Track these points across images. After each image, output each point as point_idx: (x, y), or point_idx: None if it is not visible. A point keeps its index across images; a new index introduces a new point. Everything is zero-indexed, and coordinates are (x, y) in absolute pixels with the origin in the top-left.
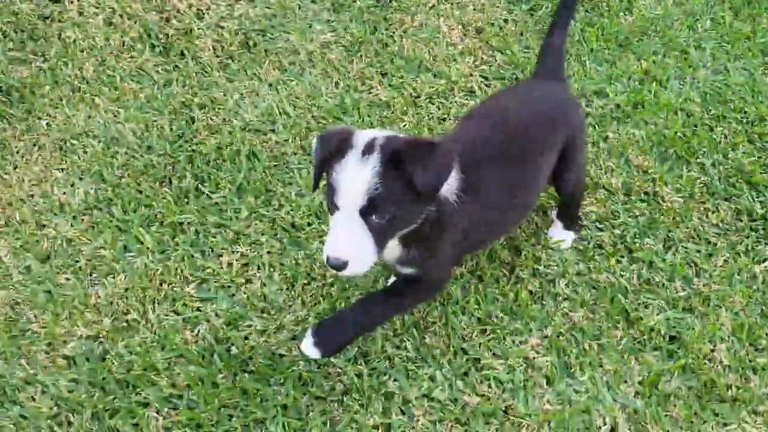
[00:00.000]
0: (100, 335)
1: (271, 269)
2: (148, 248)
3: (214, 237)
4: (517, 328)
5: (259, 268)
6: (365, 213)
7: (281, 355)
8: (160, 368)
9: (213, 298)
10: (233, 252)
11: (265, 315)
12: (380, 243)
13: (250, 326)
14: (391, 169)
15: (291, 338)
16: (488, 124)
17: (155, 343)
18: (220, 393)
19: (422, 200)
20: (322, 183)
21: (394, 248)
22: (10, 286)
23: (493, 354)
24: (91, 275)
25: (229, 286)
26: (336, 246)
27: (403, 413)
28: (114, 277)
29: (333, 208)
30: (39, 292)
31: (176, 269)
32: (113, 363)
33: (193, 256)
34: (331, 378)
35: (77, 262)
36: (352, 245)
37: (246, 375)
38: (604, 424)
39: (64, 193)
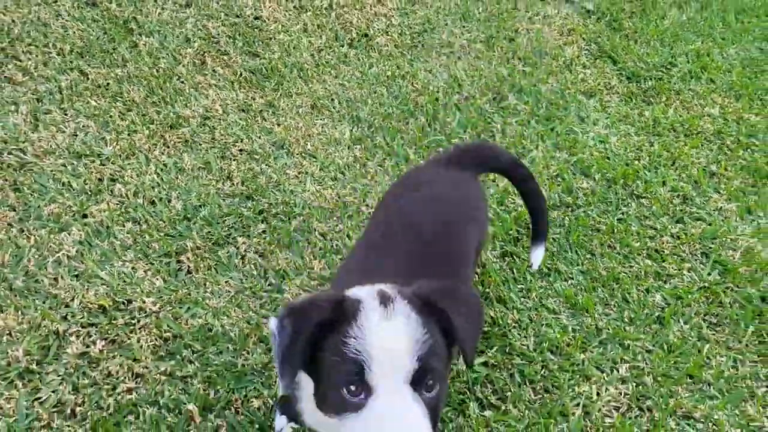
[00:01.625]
0: None
1: None
2: (412, 161)
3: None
4: None
5: None
6: (416, 382)
7: None
8: None
9: None
10: None
11: None
12: (434, 426)
13: None
14: (428, 317)
15: None
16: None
17: None
18: None
19: (449, 360)
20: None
21: None
22: None
23: None
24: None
25: None
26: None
27: None
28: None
29: (349, 399)
30: None
31: None
32: None
33: None
34: None
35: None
36: (417, 424)
37: None
38: None
39: (334, 129)
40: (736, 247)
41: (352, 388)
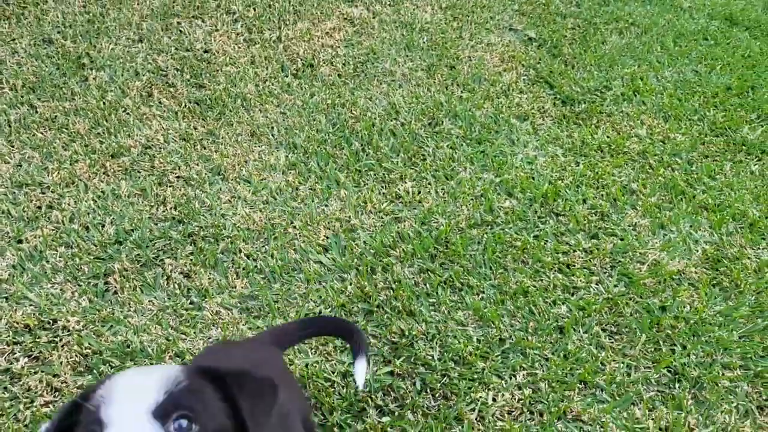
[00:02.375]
0: None
1: None
2: (342, 185)
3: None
4: None
5: None
6: (161, 414)
7: None
8: None
9: None
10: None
11: None
12: None
13: None
14: (199, 378)
15: None
16: None
17: None
18: None
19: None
20: None
21: None
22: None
23: None
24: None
25: None
26: None
27: None
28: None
29: None
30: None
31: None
32: None
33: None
34: None
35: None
36: None
37: None
38: None
39: (270, 156)
40: (644, 260)
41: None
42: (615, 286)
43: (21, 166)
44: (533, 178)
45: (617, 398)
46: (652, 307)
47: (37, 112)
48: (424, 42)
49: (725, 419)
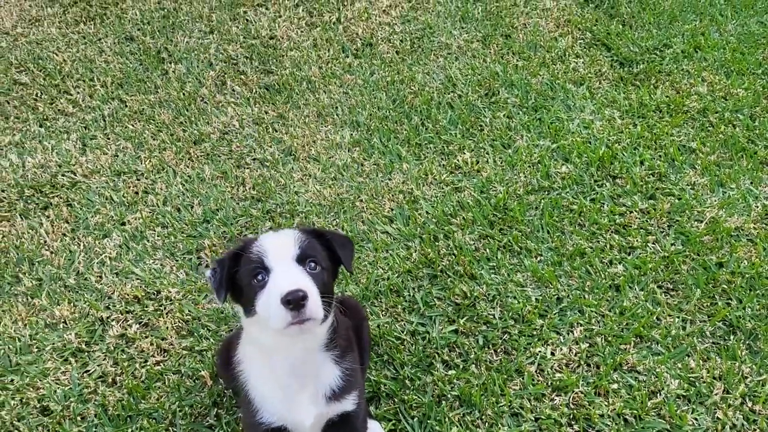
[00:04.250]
0: None
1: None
2: (404, 158)
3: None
4: None
5: None
6: (301, 260)
7: None
8: None
9: None
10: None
11: None
12: (318, 291)
13: None
14: (310, 235)
15: None
16: None
17: None
18: None
19: (334, 274)
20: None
21: (332, 373)
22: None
23: None
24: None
25: None
26: (288, 282)
27: None
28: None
29: (258, 284)
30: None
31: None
32: None
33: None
34: None
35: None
36: (302, 279)
37: None
38: None
39: (336, 135)
40: (702, 219)
41: (258, 277)
42: (672, 244)
43: (117, 156)
44: (590, 143)
45: (672, 350)
46: (709, 263)
47: (126, 105)
48: (478, 12)
49: None
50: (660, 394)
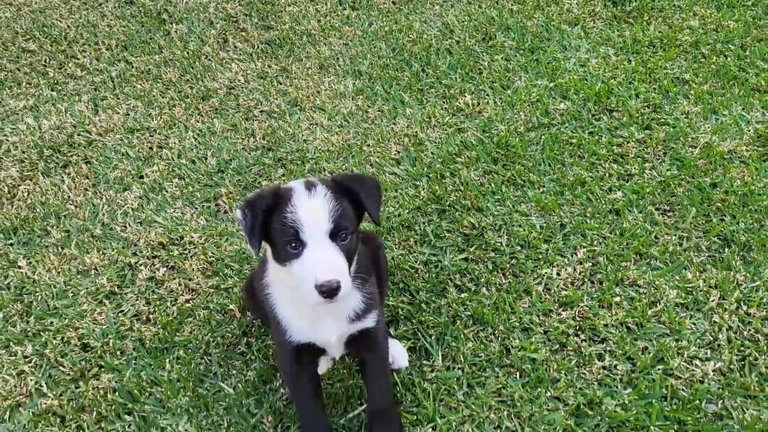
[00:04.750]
0: None
1: None
2: (407, 104)
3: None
4: None
5: None
6: (333, 235)
7: None
8: None
9: None
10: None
11: None
12: (348, 265)
13: None
14: (340, 194)
15: None
16: None
17: None
18: None
19: (358, 223)
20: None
21: (355, 299)
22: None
23: None
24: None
25: None
26: (323, 270)
27: None
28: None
29: (292, 251)
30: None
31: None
32: None
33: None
34: None
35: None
36: (337, 266)
37: None
38: None
39: (339, 84)
40: (696, 144)
41: (293, 244)
42: (668, 170)
43: (129, 114)
44: (586, 80)
45: (670, 264)
46: (703, 184)
47: (132, 66)
48: None
49: None
50: (659, 304)
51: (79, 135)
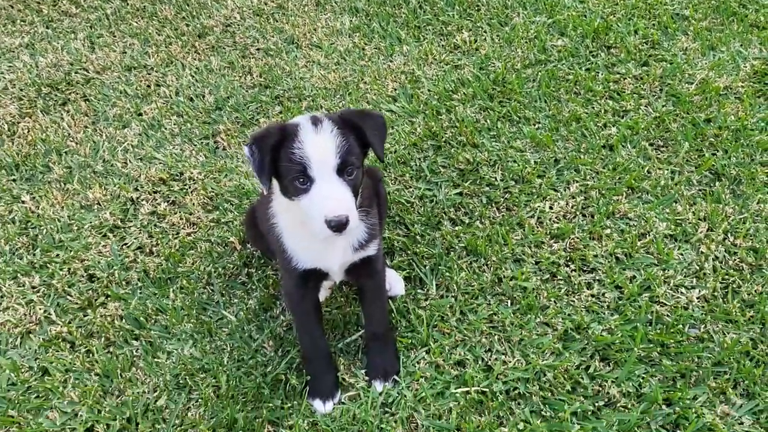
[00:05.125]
0: None
1: None
2: (404, 41)
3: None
4: None
5: None
6: (340, 171)
7: None
8: None
9: None
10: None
11: None
12: (355, 198)
13: None
14: (347, 130)
15: None
16: None
17: None
18: None
19: (363, 158)
20: None
21: (359, 229)
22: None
23: None
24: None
25: None
26: (332, 206)
27: None
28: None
29: (300, 186)
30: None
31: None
32: None
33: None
34: None
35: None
36: (345, 201)
37: None
38: None
39: (336, 21)
40: (693, 80)
41: (301, 180)
42: (663, 105)
43: (125, 52)
44: (585, 16)
45: (661, 198)
46: (698, 120)
47: (128, 3)
48: None
49: (759, 207)
50: (648, 235)
51: (76, 73)
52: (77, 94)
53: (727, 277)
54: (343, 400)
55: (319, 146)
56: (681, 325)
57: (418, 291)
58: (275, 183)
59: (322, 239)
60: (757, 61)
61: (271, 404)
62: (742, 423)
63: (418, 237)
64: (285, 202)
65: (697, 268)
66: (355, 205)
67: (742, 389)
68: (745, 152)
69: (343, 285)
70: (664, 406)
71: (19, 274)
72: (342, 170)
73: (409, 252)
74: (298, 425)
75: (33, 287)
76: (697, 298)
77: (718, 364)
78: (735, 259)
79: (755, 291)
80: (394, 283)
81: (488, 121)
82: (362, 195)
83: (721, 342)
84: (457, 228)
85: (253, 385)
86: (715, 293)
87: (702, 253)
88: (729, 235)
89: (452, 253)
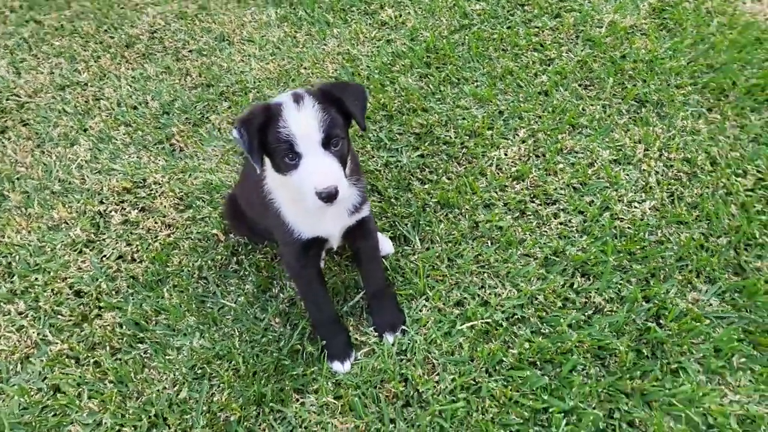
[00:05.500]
0: None
1: None
2: (333, 24)
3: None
4: None
5: None
6: (326, 144)
7: None
8: None
9: None
10: None
11: None
12: (343, 167)
13: None
14: (328, 104)
15: None
16: None
17: None
18: None
19: (347, 128)
20: None
21: (352, 194)
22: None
23: None
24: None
25: None
26: (321, 178)
27: None
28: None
29: (290, 162)
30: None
31: None
32: None
33: None
34: None
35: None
36: (333, 172)
37: None
38: None
39: (262, 15)
40: (602, 24)
41: (289, 156)
42: (582, 50)
43: (54, 72)
44: None
45: (598, 130)
46: (614, 58)
47: (44, 25)
48: None
49: (684, 123)
50: (596, 164)
51: (7, 100)
52: (14, 120)
53: (670, 186)
54: (359, 358)
55: (303, 123)
56: (641, 234)
57: (405, 248)
58: (267, 162)
59: (317, 209)
60: (653, 0)
61: (293, 373)
62: (711, 304)
63: (392, 200)
64: (279, 178)
65: (644, 183)
66: (343, 174)
67: (704, 277)
68: (660, 79)
69: (335, 254)
70: (644, 303)
71: (2, 303)
72: (327, 143)
73: (388, 215)
74: (323, 387)
75: (20, 313)
76: (650, 209)
77: (680, 260)
78: (673, 171)
79: (696, 194)
80: (383, 243)
81: (431, 86)
82: (350, 163)
83: (678, 241)
84: (426, 186)
85: (272, 360)
86: (663, 202)
87: (644, 170)
88: (663, 151)
89: (428, 209)
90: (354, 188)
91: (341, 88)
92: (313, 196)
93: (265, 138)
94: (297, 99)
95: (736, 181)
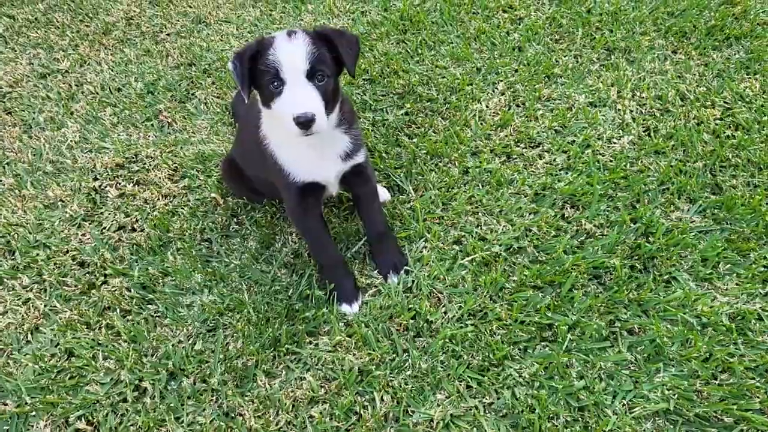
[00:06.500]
0: None
1: None
2: (305, 1)
3: None
4: None
5: None
6: (310, 76)
7: None
8: None
9: None
10: None
11: None
12: (325, 104)
13: None
14: (320, 43)
15: None
16: None
17: None
18: None
19: (336, 71)
20: None
21: (344, 141)
22: None
23: None
24: None
25: None
26: (299, 104)
27: None
28: None
29: (275, 90)
30: None
31: None
32: None
33: None
34: None
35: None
36: (311, 100)
37: None
38: None
39: None
40: None
41: (274, 83)
42: (549, 8)
43: (32, 63)
44: None
45: (573, 77)
46: (581, 12)
47: (17, 19)
48: None
49: (652, 65)
50: (574, 108)
51: None
52: None
53: (645, 122)
54: (366, 299)
55: (291, 52)
56: (623, 164)
57: (401, 197)
58: (262, 107)
59: (307, 146)
60: None
61: (305, 316)
62: (694, 221)
63: (384, 155)
64: (271, 121)
65: (620, 121)
66: (326, 108)
67: (685, 197)
68: (626, 28)
69: (334, 206)
70: (632, 225)
71: (5, 279)
72: (312, 75)
73: (380, 168)
74: (335, 327)
75: (25, 287)
76: (628, 143)
77: (661, 184)
78: (646, 107)
79: (670, 126)
80: (380, 191)
81: (408, 50)
82: (343, 110)
83: (658, 168)
84: (414, 140)
85: (283, 306)
86: (641, 136)
87: (620, 110)
88: (635, 92)
89: (418, 159)
90: (345, 135)
91: (336, 32)
92: (290, 122)
93: (255, 67)
94: (290, 33)
95: (705, 111)
